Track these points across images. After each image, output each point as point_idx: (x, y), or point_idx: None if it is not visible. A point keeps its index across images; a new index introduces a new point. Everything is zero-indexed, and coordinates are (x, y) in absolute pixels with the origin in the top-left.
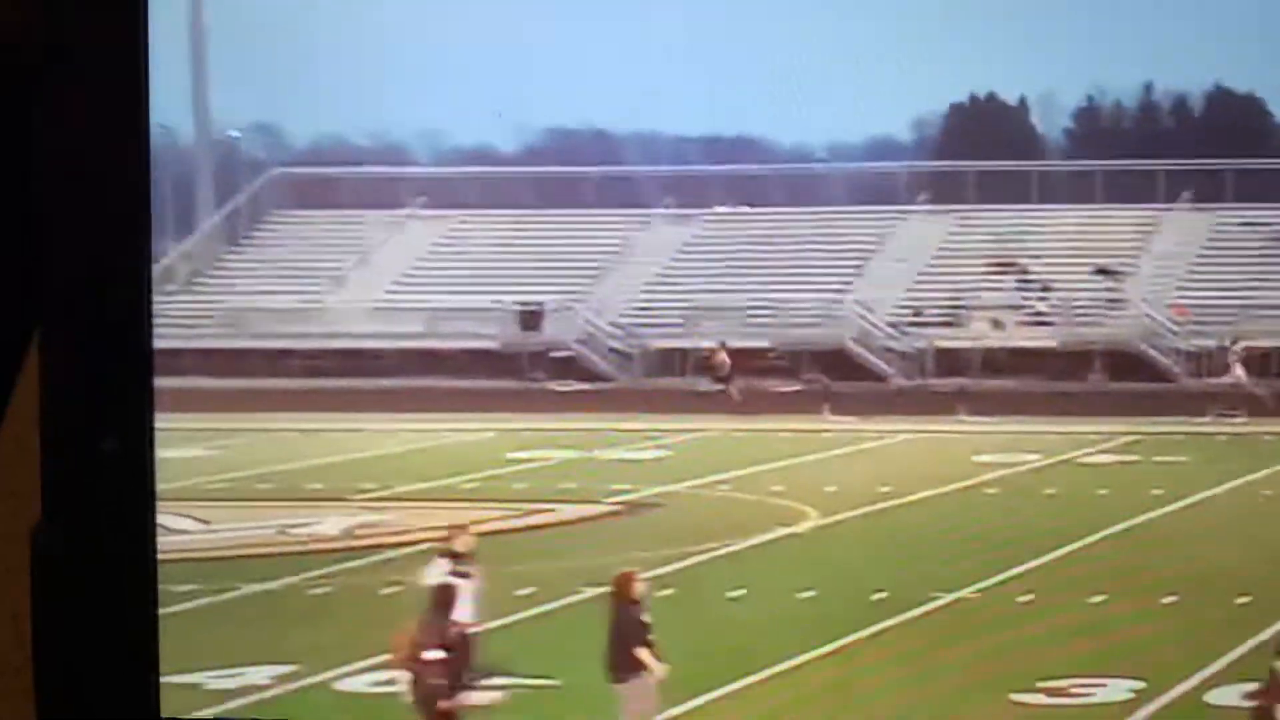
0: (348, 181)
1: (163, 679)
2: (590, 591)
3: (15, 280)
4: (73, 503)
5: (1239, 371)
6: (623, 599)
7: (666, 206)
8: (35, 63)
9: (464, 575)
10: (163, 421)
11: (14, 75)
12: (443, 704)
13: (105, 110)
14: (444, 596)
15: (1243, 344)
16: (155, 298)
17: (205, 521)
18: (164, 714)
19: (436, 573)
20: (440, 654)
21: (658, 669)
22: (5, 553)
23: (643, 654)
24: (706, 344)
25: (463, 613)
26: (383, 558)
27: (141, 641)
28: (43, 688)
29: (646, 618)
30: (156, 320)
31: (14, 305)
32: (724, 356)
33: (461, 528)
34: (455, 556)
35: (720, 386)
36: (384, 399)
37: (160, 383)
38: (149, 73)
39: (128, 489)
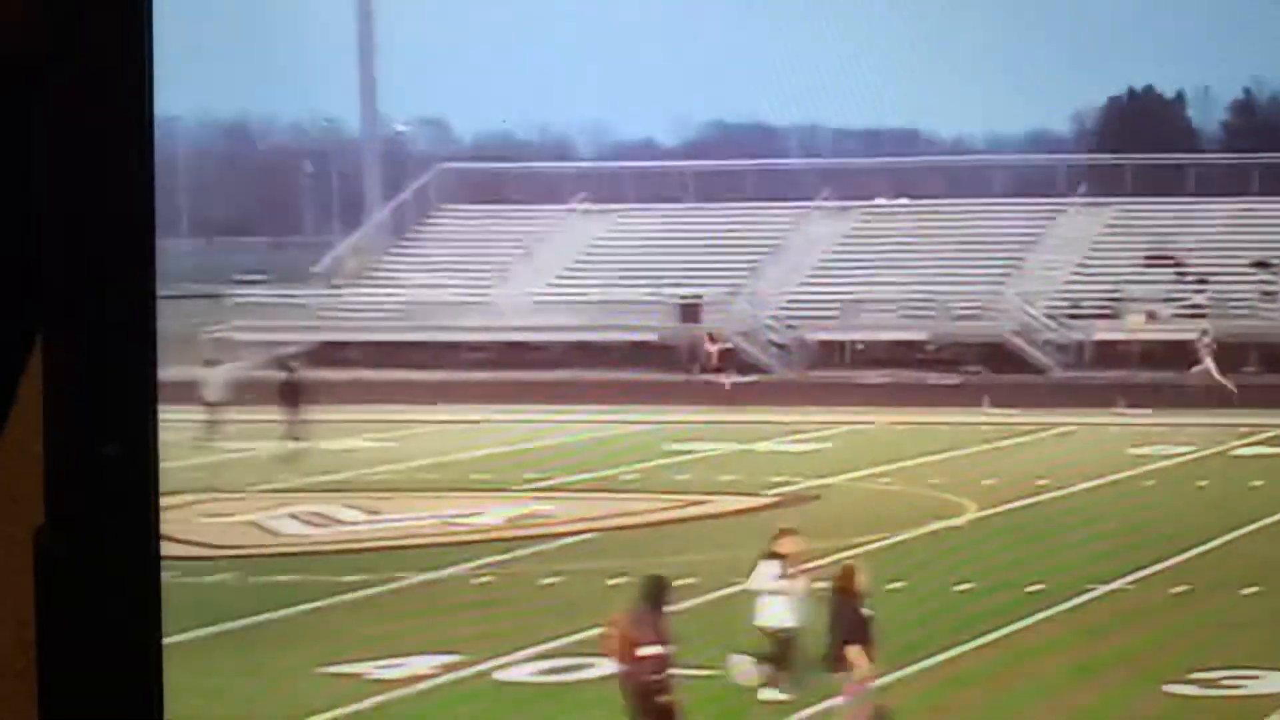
0: (512, 175)
1: (327, 668)
2: (746, 583)
3: (16, 281)
4: (76, 506)
5: (1208, 362)
6: (843, 591)
7: (826, 199)
8: (36, 60)
9: (789, 578)
10: (332, 414)
11: (14, 73)
12: (659, 699)
13: (107, 108)
14: (657, 589)
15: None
16: (324, 291)
17: (373, 512)
18: (317, 704)
19: (765, 576)
20: (656, 649)
21: (864, 667)
22: (8, 556)
23: (851, 651)
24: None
25: (787, 617)
26: (545, 548)
27: (145, 646)
28: (45, 692)
29: (867, 611)
30: (326, 312)
31: (15, 307)
32: (714, 346)
33: (788, 531)
34: (780, 558)
35: (712, 377)
36: (547, 391)
37: (330, 375)
38: (153, 69)
39: (131, 492)
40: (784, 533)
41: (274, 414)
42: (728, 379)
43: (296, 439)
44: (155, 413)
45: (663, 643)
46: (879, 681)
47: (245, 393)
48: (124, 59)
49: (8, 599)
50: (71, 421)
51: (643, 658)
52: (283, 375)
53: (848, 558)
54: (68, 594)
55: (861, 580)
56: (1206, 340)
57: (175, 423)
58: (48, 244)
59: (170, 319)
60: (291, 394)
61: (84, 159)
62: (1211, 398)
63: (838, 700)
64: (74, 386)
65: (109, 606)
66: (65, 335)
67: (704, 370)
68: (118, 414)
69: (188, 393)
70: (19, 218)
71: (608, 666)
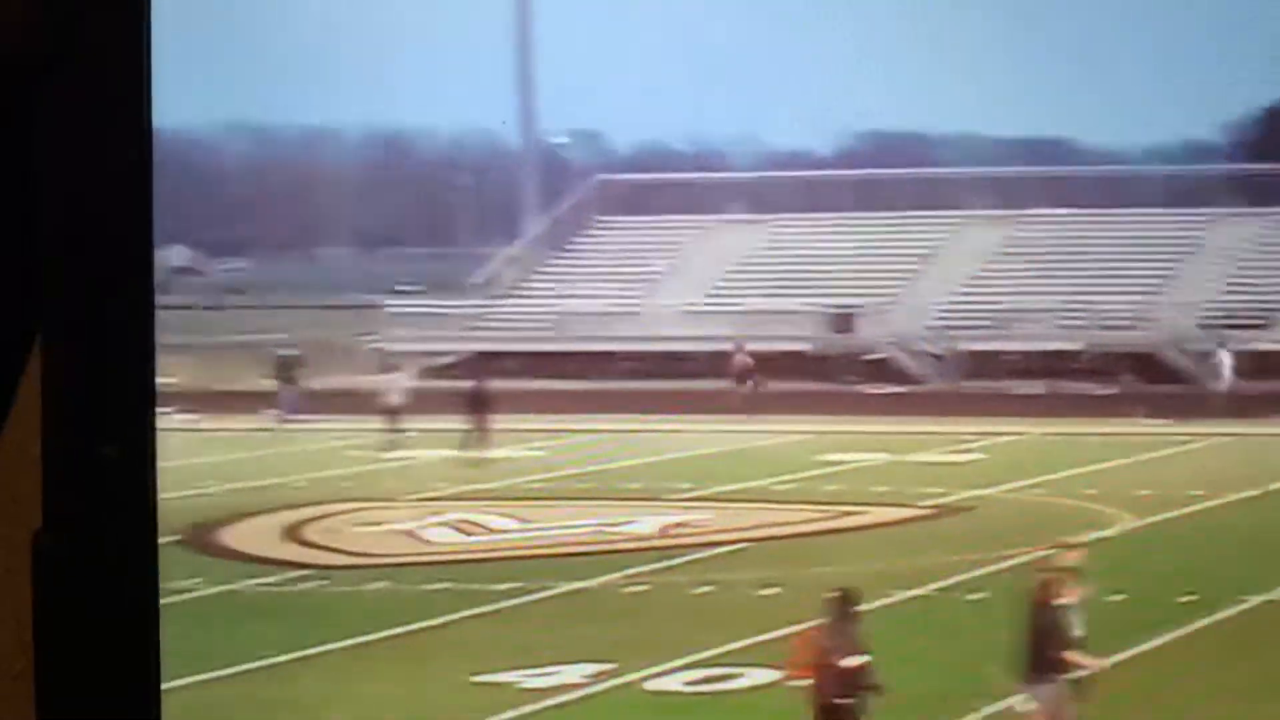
0: (667, 186)
1: (479, 677)
2: (900, 595)
3: (15, 283)
4: (74, 508)
5: (1226, 373)
6: (1043, 600)
7: (981, 209)
8: (35, 61)
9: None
10: (491, 422)
11: (13, 74)
12: (850, 711)
13: (107, 110)
14: (848, 604)
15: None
16: (480, 302)
17: (525, 521)
18: (468, 714)
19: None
20: (852, 661)
21: (1091, 665)
22: (7, 558)
23: (1069, 656)
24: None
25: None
26: (696, 558)
27: (143, 648)
28: (43, 694)
29: (1072, 618)
30: (482, 323)
31: (14, 309)
32: (744, 358)
33: (1075, 545)
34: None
35: (740, 387)
36: (699, 400)
37: (489, 385)
38: (151, 71)
39: (130, 494)
40: (1069, 546)
41: (443, 421)
42: (749, 391)
43: (477, 447)
44: (154, 414)
45: (857, 653)
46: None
47: (424, 401)
48: (124, 59)
49: (6, 601)
50: (70, 423)
51: (834, 669)
52: (471, 383)
53: (1002, 569)
54: (66, 596)
55: (1062, 590)
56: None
57: (328, 430)
58: (46, 244)
59: (331, 329)
60: (479, 402)
61: (83, 159)
62: None
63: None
64: (73, 387)
65: (108, 609)
66: (64, 336)
67: (738, 381)
68: (117, 415)
69: (355, 402)
70: (18, 218)
71: (758, 677)
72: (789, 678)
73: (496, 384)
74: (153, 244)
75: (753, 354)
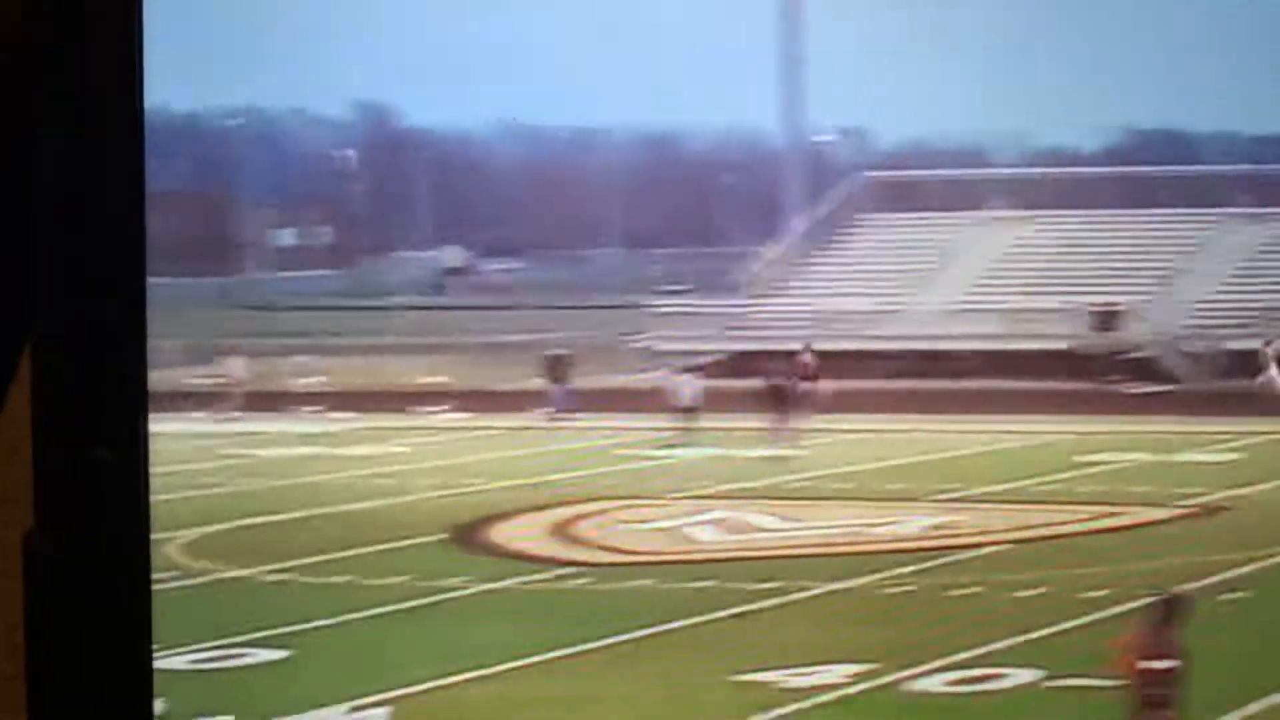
0: (930, 184)
1: (739, 676)
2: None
3: (7, 285)
4: (66, 510)
5: (1273, 371)
6: None
7: (1242, 205)
8: (30, 61)
9: None
10: (744, 422)
11: (8, 72)
12: (1165, 713)
13: (99, 111)
14: (1174, 608)
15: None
16: (742, 301)
17: (788, 519)
18: (728, 712)
19: None
20: (1167, 664)
21: None
22: None
23: None
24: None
25: None
26: (958, 559)
27: (136, 651)
28: (35, 697)
29: None
30: (743, 322)
31: (6, 310)
32: (809, 358)
33: None
34: None
35: (807, 386)
36: (961, 400)
37: (743, 385)
38: (143, 72)
39: (122, 496)
40: None
41: (713, 420)
42: (817, 394)
43: (784, 444)
44: (146, 416)
45: (1175, 657)
46: None
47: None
48: (117, 58)
49: None
50: (62, 425)
51: (1151, 671)
52: (772, 381)
53: (1261, 569)
54: (58, 598)
55: None
56: (1272, 348)
57: (596, 429)
58: (38, 245)
59: (595, 329)
60: (780, 400)
61: (76, 161)
62: None
63: None
64: (65, 389)
65: (100, 610)
66: (56, 337)
67: (801, 380)
68: (109, 417)
69: (623, 400)
70: (10, 220)
71: (1021, 677)
72: (1111, 672)
73: (752, 384)
74: (145, 244)
75: (805, 349)
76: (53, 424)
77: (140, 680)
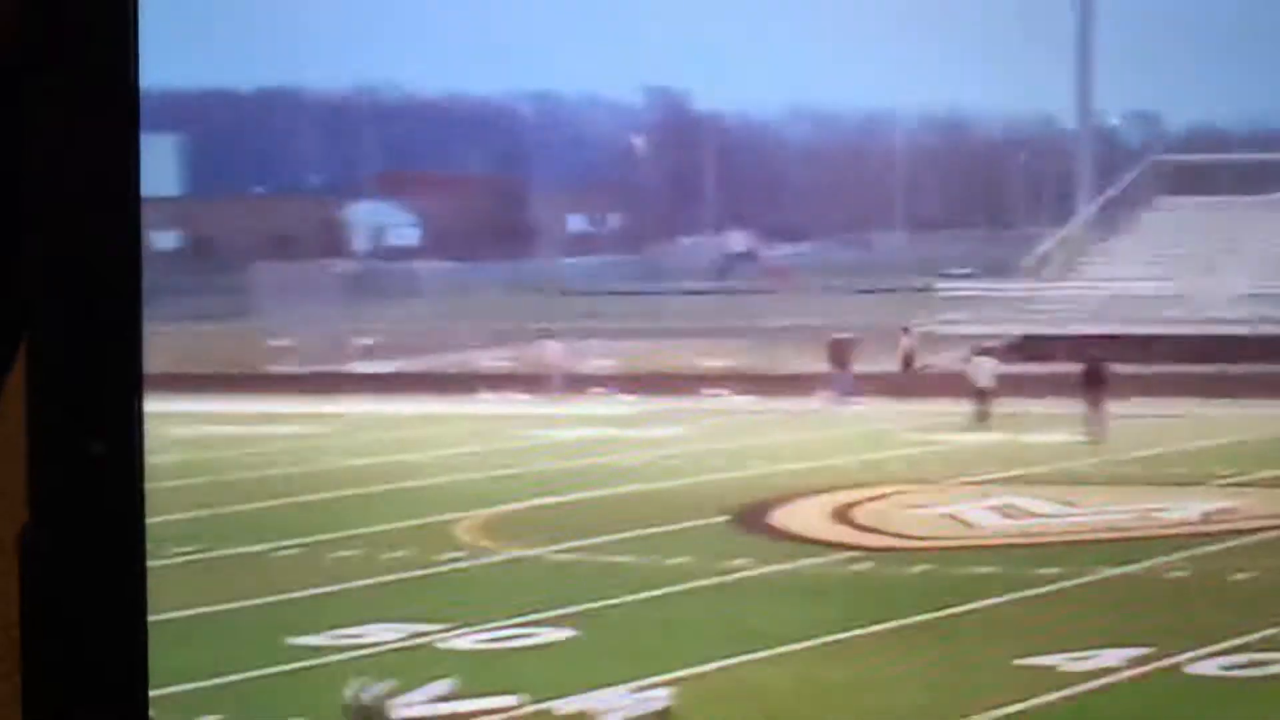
0: (1220, 167)
1: (1022, 660)
2: None
3: (2, 279)
4: (61, 505)
5: None
6: None
7: None
8: (24, 59)
9: None
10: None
11: (2, 66)
12: None
13: (94, 107)
14: None
15: None
16: (1030, 284)
17: (1068, 504)
18: (1012, 695)
19: None
20: None
21: None
22: None
23: None
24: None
25: None
26: (1238, 544)
27: (132, 645)
28: (30, 692)
29: None
30: (1031, 305)
31: (1, 305)
32: (910, 341)
33: None
34: None
35: (904, 371)
36: (1246, 385)
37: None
38: (139, 68)
39: (117, 490)
40: None
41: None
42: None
43: (1095, 429)
44: (141, 409)
45: None
46: None
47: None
48: (111, 56)
49: None
50: (57, 418)
51: None
52: (1085, 365)
53: None
54: (54, 593)
55: None
56: None
57: (880, 413)
58: (31, 239)
59: (879, 313)
60: (1095, 384)
61: (69, 156)
62: None
63: None
64: (59, 382)
65: (96, 605)
66: (50, 330)
67: (905, 366)
68: (104, 410)
69: (907, 385)
70: (3, 214)
71: None
72: None
73: (1039, 369)
74: (140, 237)
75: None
76: (47, 418)
77: (137, 676)
